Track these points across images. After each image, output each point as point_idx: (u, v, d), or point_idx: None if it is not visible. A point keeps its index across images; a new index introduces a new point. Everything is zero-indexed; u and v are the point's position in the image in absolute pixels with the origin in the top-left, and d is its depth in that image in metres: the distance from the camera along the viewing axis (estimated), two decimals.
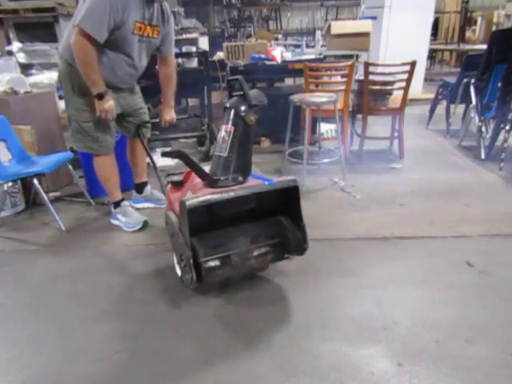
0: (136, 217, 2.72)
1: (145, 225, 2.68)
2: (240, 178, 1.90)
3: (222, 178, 1.87)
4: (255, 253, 1.91)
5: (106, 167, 2.65)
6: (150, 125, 2.81)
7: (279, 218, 1.96)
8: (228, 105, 1.90)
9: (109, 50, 2.31)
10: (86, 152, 2.60)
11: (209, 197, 1.69)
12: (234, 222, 1.89)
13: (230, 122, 1.87)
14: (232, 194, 1.72)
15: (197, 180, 1.94)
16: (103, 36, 2.19)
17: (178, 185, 1.95)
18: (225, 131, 1.87)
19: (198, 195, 1.72)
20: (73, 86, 2.40)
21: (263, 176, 2.01)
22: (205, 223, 1.82)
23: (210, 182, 1.88)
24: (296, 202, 1.87)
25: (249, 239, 1.91)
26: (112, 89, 2.43)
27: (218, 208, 1.77)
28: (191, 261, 1.72)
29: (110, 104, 2.36)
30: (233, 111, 1.87)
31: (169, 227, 2.05)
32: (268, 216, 1.95)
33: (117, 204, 2.74)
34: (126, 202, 2.78)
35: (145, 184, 3.00)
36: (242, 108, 1.86)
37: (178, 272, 2.06)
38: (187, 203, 1.65)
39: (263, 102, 1.92)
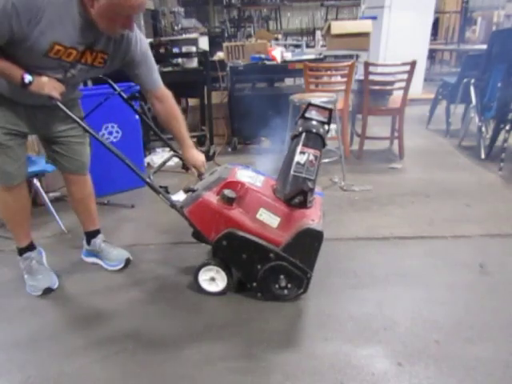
0: (41, 278, 2.07)
1: (46, 292, 2.05)
2: (314, 197, 2.04)
3: (311, 199, 1.98)
4: None
5: (5, 205, 1.98)
6: (87, 154, 2.14)
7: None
8: (314, 130, 1.95)
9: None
10: None
11: (321, 223, 1.89)
12: None
13: (318, 147, 1.96)
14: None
15: (266, 198, 1.93)
16: None
17: (231, 201, 1.86)
18: (313, 155, 1.94)
19: (313, 219, 1.88)
20: None
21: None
22: None
23: (302, 203, 1.92)
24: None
25: None
26: (19, 103, 1.79)
27: None
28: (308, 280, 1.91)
29: (43, 79, 1.69)
30: (319, 137, 1.95)
31: (234, 245, 1.89)
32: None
33: (20, 252, 2.11)
34: (31, 254, 2.11)
35: (92, 235, 2.28)
36: (325, 135, 1.98)
37: (209, 288, 1.99)
38: (320, 230, 1.81)
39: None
